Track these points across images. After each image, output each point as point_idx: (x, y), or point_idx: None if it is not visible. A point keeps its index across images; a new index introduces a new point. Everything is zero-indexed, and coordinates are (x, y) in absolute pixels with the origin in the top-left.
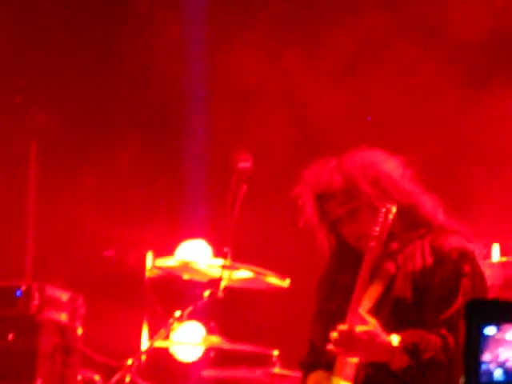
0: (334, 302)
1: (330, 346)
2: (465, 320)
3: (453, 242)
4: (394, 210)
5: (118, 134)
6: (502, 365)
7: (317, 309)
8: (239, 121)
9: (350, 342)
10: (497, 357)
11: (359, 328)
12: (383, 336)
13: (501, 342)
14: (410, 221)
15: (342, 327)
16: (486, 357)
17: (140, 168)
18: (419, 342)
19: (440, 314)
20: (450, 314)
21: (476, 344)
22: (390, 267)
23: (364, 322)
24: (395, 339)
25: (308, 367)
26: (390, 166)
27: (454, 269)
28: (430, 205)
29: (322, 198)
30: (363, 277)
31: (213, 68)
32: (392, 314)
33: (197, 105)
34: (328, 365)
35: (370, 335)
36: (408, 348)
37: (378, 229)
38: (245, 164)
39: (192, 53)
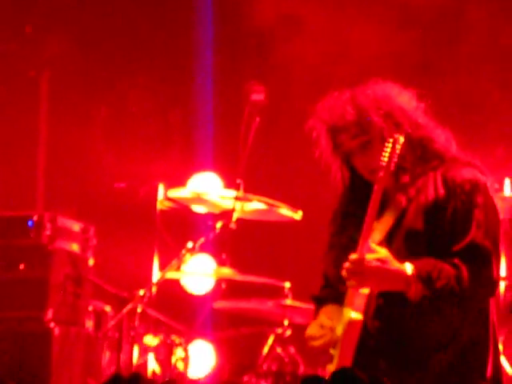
0: (345, 234)
1: (343, 274)
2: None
3: (465, 174)
4: (401, 140)
5: (130, 68)
6: None
7: (329, 242)
8: (252, 52)
9: (361, 269)
10: None
11: (370, 256)
12: (396, 263)
13: None
14: (423, 153)
15: (353, 256)
16: None
17: (152, 101)
18: (432, 270)
19: (453, 244)
20: (464, 244)
21: None
22: (402, 199)
23: (374, 252)
24: (409, 267)
25: (321, 301)
26: (404, 99)
27: (467, 200)
28: (443, 138)
29: (334, 131)
30: (373, 207)
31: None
32: (404, 245)
33: (207, 36)
34: (341, 298)
35: (382, 262)
36: (422, 276)
37: (385, 159)
38: (258, 96)
39: None
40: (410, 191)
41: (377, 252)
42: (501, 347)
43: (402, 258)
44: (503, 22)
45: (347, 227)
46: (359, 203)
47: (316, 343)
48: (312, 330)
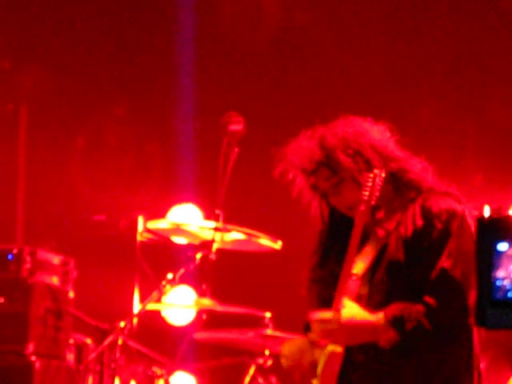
0: (326, 269)
1: (313, 336)
2: (477, 237)
3: (442, 204)
4: (383, 174)
5: (107, 99)
6: None
7: (311, 277)
8: (229, 82)
9: (333, 328)
10: (510, 273)
11: (343, 312)
12: (365, 315)
13: None
14: (398, 186)
15: (326, 315)
16: (500, 273)
17: (130, 133)
18: (401, 314)
19: (427, 275)
20: (435, 275)
21: (489, 260)
22: (381, 233)
23: (345, 307)
24: (378, 317)
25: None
26: (374, 134)
27: (442, 229)
28: (418, 168)
29: (307, 173)
30: (354, 240)
31: (202, 30)
32: (386, 276)
33: (186, 68)
34: None
35: (352, 316)
36: (391, 321)
37: (366, 193)
38: (236, 126)
39: (180, 16)
40: (388, 225)
41: (347, 307)
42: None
43: (385, 288)
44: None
45: (328, 261)
46: (339, 238)
47: (285, 362)
48: (286, 348)
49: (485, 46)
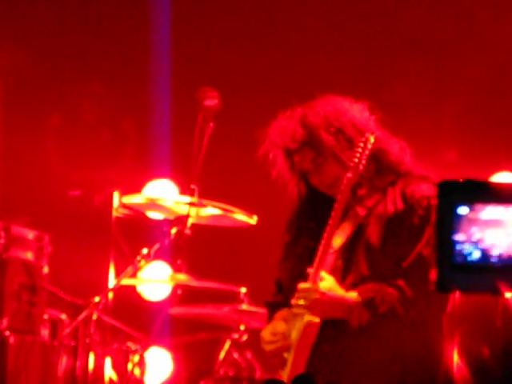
0: (300, 244)
1: (293, 301)
2: (437, 200)
3: (424, 190)
4: (372, 139)
5: (82, 76)
6: (475, 244)
7: (283, 252)
8: (205, 57)
9: (310, 298)
10: (470, 236)
11: (320, 284)
12: (340, 291)
13: (474, 222)
14: (378, 166)
15: (304, 285)
16: (460, 237)
17: (105, 109)
18: (375, 296)
19: (404, 259)
20: (410, 260)
21: (449, 224)
22: (360, 211)
23: (323, 280)
24: (352, 295)
25: (274, 306)
26: (355, 112)
27: (423, 216)
28: (397, 148)
29: (289, 152)
30: (338, 208)
31: (177, 4)
32: (364, 256)
33: (161, 43)
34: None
35: (328, 290)
36: (365, 302)
37: (356, 160)
38: (211, 101)
39: None
40: (368, 203)
41: (325, 280)
42: (456, 357)
43: (361, 269)
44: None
45: (302, 237)
46: (315, 216)
47: (268, 347)
48: (265, 333)
49: (461, 25)
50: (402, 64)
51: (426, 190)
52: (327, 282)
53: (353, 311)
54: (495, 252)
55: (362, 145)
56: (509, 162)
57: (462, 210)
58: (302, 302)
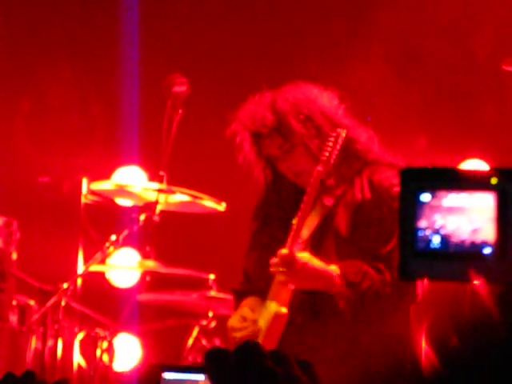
0: (267, 233)
1: (271, 268)
2: (400, 187)
3: (392, 178)
4: (343, 134)
5: (50, 62)
6: (437, 231)
7: (251, 241)
8: (173, 43)
9: (290, 265)
10: (433, 223)
11: (299, 253)
12: (321, 263)
13: (436, 209)
14: (346, 155)
15: (283, 251)
16: (422, 223)
17: (73, 95)
18: (357, 272)
19: (378, 249)
20: (388, 250)
21: (411, 211)
22: (328, 201)
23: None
24: (334, 268)
25: (241, 294)
26: (324, 100)
27: (394, 205)
28: (365, 137)
29: (257, 136)
30: (307, 201)
31: None
32: (333, 246)
33: (129, 29)
34: (261, 295)
35: (309, 261)
36: (346, 277)
37: (326, 154)
38: (180, 88)
39: None
40: (336, 192)
41: (300, 253)
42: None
43: (330, 259)
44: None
45: (269, 226)
46: (282, 205)
47: (238, 334)
48: (234, 321)
49: (428, 9)
50: (366, 48)
51: (394, 179)
52: (306, 255)
53: (334, 285)
54: (457, 239)
55: (333, 139)
56: (478, 149)
57: (425, 197)
58: (282, 269)
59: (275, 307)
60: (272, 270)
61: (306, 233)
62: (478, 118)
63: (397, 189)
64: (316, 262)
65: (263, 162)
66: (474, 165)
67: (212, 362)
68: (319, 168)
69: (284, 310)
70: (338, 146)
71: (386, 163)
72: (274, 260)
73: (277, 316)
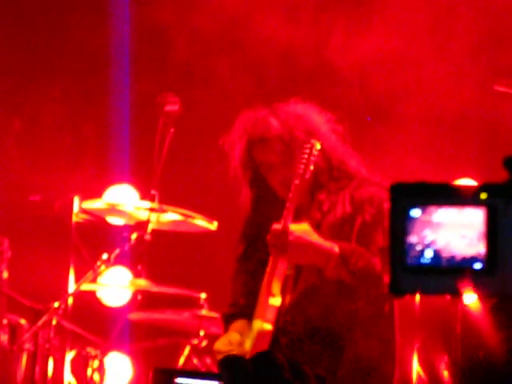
0: (253, 259)
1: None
2: (390, 202)
3: (372, 191)
4: (318, 146)
5: (42, 81)
6: (428, 246)
7: (236, 268)
8: (165, 64)
9: (284, 240)
10: (423, 238)
11: (293, 227)
12: (318, 237)
13: (427, 224)
14: (337, 174)
15: (276, 227)
16: (413, 239)
17: (65, 114)
18: (354, 251)
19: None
20: (377, 248)
21: (402, 226)
22: (316, 215)
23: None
24: (332, 244)
25: (230, 317)
26: (321, 120)
27: (375, 212)
28: (354, 162)
29: (255, 144)
30: (287, 216)
31: (137, 9)
32: None
33: (121, 48)
34: (249, 317)
35: (305, 233)
36: (343, 254)
37: (302, 166)
38: (172, 107)
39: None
40: (324, 207)
41: (299, 225)
42: (416, 365)
43: (312, 277)
44: None
45: (254, 252)
46: (265, 226)
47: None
48: (219, 344)
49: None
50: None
51: (375, 191)
52: (302, 226)
53: (330, 259)
54: (448, 254)
55: (307, 151)
56: (470, 168)
57: (415, 213)
58: (274, 248)
59: (259, 324)
60: (269, 245)
61: None
62: (470, 137)
63: (377, 200)
64: (313, 236)
65: (250, 174)
66: (464, 183)
67: (228, 371)
68: (296, 181)
69: (269, 326)
70: (312, 158)
71: (369, 180)
72: (268, 236)
73: (261, 333)
